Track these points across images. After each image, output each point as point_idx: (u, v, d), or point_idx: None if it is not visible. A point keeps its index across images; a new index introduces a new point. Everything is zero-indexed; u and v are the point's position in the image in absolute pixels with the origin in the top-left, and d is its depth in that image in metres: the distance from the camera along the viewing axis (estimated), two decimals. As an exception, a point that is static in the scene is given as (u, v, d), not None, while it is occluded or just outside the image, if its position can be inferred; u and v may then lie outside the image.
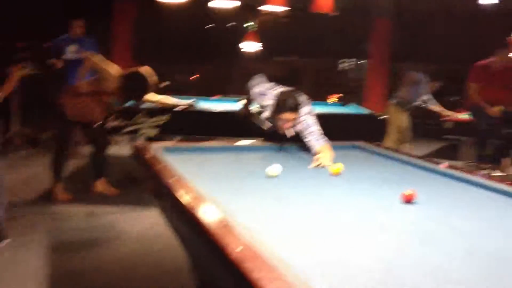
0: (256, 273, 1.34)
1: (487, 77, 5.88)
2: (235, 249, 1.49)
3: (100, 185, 5.36)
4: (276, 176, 2.74)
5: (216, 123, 5.58)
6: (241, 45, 8.68)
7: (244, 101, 4.41)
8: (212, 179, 2.64)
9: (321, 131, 3.47)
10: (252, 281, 1.31)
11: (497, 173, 5.66)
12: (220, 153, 3.42)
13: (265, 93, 3.81)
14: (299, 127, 3.52)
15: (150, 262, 3.68)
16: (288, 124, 3.46)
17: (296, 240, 1.80)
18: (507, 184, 2.63)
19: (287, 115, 3.42)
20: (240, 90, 12.35)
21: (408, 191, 2.35)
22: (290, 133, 3.50)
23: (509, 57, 5.91)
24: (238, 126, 5.24)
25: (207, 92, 9.32)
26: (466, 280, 1.51)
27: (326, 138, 3.41)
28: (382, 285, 1.45)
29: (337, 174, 2.88)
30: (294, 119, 3.45)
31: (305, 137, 3.46)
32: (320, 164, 3.10)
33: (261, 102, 3.84)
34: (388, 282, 1.48)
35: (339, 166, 2.91)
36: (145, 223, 4.49)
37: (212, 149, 3.50)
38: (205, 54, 12.55)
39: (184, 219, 1.94)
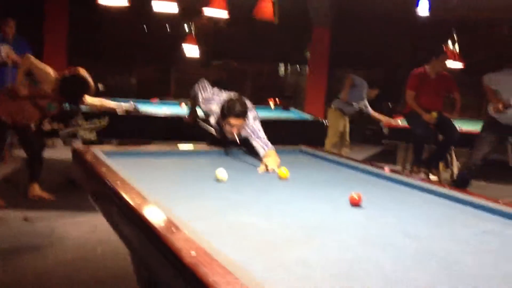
0: (211, 277, 1.31)
1: (423, 84, 6.10)
2: (188, 254, 1.45)
3: (36, 189, 5.15)
4: (225, 181, 2.71)
5: (157, 127, 5.49)
6: (180, 48, 8.60)
7: (188, 106, 4.37)
8: (157, 183, 2.59)
9: (266, 137, 3.48)
10: (207, 285, 1.27)
11: (433, 177, 5.87)
12: (163, 158, 3.36)
13: (211, 99, 3.78)
14: (245, 133, 3.51)
15: (93, 267, 3.57)
16: (235, 129, 3.45)
17: (248, 244, 1.78)
18: (445, 187, 2.72)
19: (234, 121, 3.41)
20: (180, 93, 12.27)
21: (355, 195, 2.38)
22: (236, 138, 3.49)
23: (444, 65, 6.14)
24: (179, 130, 5.20)
25: (146, 95, 9.16)
26: (415, 281, 1.54)
27: (270, 144, 3.43)
28: (335, 286, 1.45)
29: (285, 178, 2.89)
30: (241, 124, 3.44)
31: (252, 142, 3.46)
32: (268, 168, 3.10)
33: (206, 107, 3.81)
34: (340, 284, 1.48)
35: (287, 171, 2.92)
36: (86, 228, 4.35)
37: (154, 154, 3.43)
38: (144, 56, 12.35)
39: (132, 224, 1.88)
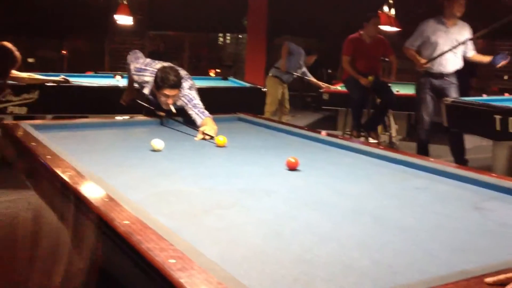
0: (145, 244, 1.31)
1: (359, 49, 6.18)
2: (121, 223, 1.44)
3: None
4: (161, 150, 2.68)
5: (92, 100, 5.34)
6: (113, 18, 8.33)
7: (125, 80, 4.24)
8: (92, 155, 2.54)
9: (203, 105, 3.45)
10: (142, 252, 1.27)
11: (372, 140, 6.00)
12: (97, 129, 3.28)
13: (145, 69, 3.70)
14: (181, 102, 3.47)
15: (28, 245, 3.47)
16: (170, 100, 3.40)
17: (180, 211, 1.79)
18: (381, 148, 2.79)
19: (169, 92, 3.36)
20: (115, 66, 11.94)
21: (292, 158, 2.41)
22: (172, 108, 3.44)
23: (376, 28, 6.22)
24: (115, 102, 5.08)
25: (79, 69, 8.86)
26: (347, 236, 1.59)
27: (207, 112, 3.41)
28: (271, 248, 1.48)
29: (223, 146, 2.88)
30: (175, 95, 3.40)
31: (188, 111, 3.43)
32: (206, 136, 3.09)
33: (140, 78, 3.73)
34: (276, 245, 1.51)
35: (224, 138, 2.92)
36: (20, 205, 4.21)
37: (89, 125, 3.35)
38: (75, 28, 11.90)
39: (64, 197, 1.84)
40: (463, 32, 5.39)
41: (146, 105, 3.94)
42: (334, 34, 10.57)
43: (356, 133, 6.17)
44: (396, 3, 7.73)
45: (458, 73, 5.48)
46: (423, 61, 5.37)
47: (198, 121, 3.34)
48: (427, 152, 5.45)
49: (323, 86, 7.73)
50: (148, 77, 3.61)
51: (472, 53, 5.51)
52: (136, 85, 4.00)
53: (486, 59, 5.50)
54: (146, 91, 3.70)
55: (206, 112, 3.40)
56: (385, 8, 7.60)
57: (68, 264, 3.09)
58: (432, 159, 2.47)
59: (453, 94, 5.38)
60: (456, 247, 1.51)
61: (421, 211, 1.86)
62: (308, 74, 7.70)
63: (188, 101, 3.46)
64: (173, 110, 3.44)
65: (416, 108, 5.60)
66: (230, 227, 1.65)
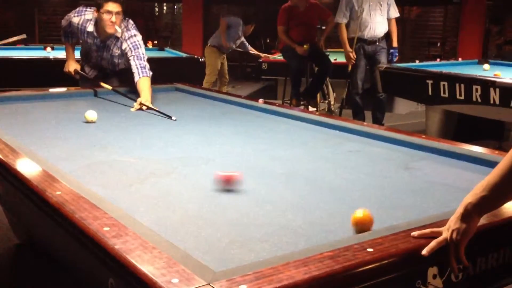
0: (78, 214, 1.29)
1: (293, 18, 6.18)
2: (53, 193, 1.41)
3: None
4: (94, 121, 2.63)
5: (23, 73, 5.14)
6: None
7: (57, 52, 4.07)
8: (23, 128, 2.47)
9: (146, 61, 3.41)
10: (75, 221, 1.25)
11: (311, 108, 6.08)
12: (30, 102, 3.17)
13: (84, 10, 3.61)
14: (126, 45, 3.43)
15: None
16: (114, 19, 3.33)
17: (114, 181, 1.78)
18: (316, 114, 2.84)
19: (111, 6, 3.31)
20: (46, 38, 11.45)
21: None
22: (118, 30, 3.38)
23: None
24: (45, 74, 4.91)
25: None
26: (282, 199, 1.64)
27: (148, 70, 3.36)
28: (208, 213, 1.51)
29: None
30: (119, 12, 3.34)
31: (130, 60, 3.39)
32: (143, 107, 3.04)
33: (81, 20, 3.58)
34: (213, 210, 1.53)
35: None
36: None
37: (20, 99, 3.22)
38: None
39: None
40: None
41: (86, 75, 3.83)
42: (271, 2, 10.55)
43: (295, 101, 6.22)
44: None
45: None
46: (349, 49, 5.59)
47: (136, 77, 3.29)
48: (363, 116, 5.61)
49: (262, 56, 7.74)
50: (89, 14, 3.55)
51: (393, 15, 5.68)
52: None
53: (394, 38, 5.74)
54: (90, 28, 3.57)
55: (146, 70, 3.34)
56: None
57: (5, 241, 3.02)
58: (365, 123, 2.54)
59: (383, 59, 5.56)
60: (385, 205, 1.58)
61: (353, 173, 1.92)
62: (247, 44, 7.67)
63: (133, 47, 3.41)
64: (119, 30, 3.40)
65: (350, 74, 5.77)
66: (166, 194, 1.65)
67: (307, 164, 2.03)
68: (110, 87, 3.47)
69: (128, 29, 3.49)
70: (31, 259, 2.74)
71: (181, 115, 2.94)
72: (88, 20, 3.57)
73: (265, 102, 3.20)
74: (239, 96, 3.47)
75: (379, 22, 5.55)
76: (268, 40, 12.66)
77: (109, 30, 3.42)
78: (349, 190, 1.72)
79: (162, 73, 5.05)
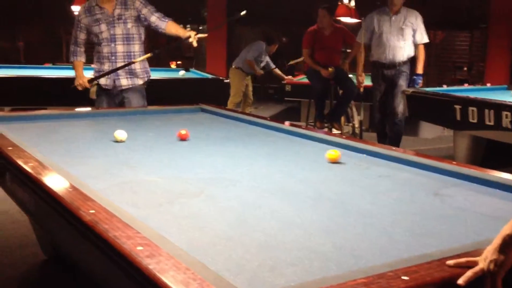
0: (111, 233, 1.30)
1: (318, 42, 6.23)
2: (87, 212, 1.43)
3: None
4: (124, 141, 2.66)
5: (51, 92, 5.24)
6: (70, 8, 8.12)
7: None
8: (52, 146, 2.50)
9: None
10: (109, 240, 1.27)
11: (335, 131, 6.07)
12: (58, 121, 3.22)
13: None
14: (144, 9, 3.96)
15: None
16: None
17: (148, 201, 1.79)
18: (343, 138, 2.83)
19: None
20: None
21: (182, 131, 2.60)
22: None
23: (325, 20, 6.23)
24: (75, 94, 4.99)
25: (36, 60, 8.63)
26: (310, 221, 1.63)
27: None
28: (236, 234, 1.50)
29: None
30: None
31: (151, 16, 3.95)
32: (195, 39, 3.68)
33: (84, 7, 4.04)
34: (242, 231, 1.53)
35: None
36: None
37: (49, 117, 3.29)
38: (30, 17, 11.56)
39: (27, 188, 1.81)
40: (409, 19, 5.45)
41: (100, 75, 4.02)
42: (296, 24, 10.63)
43: (319, 124, 6.23)
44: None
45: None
46: (359, 72, 5.69)
47: (162, 24, 3.90)
48: (384, 141, 5.56)
49: (286, 78, 7.78)
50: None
51: (420, 40, 5.53)
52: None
53: (418, 64, 5.59)
54: (93, 3, 3.95)
55: (166, 17, 3.93)
56: (345, 0, 7.68)
57: (32, 256, 3.05)
58: (394, 148, 2.53)
59: (401, 82, 5.47)
60: (417, 232, 1.56)
61: (382, 197, 1.90)
62: (271, 63, 7.76)
63: (149, 8, 3.98)
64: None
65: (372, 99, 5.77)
66: (195, 215, 1.66)
67: (335, 188, 2.02)
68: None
69: None
70: (58, 274, 2.76)
71: (207, 136, 2.96)
72: (90, 1, 3.99)
73: (291, 125, 3.20)
74: (265, 118, 3.49)
75: (399, 47, 5.47)
76: (291, 63, 12.72)
77: None
78: (379, 215, 1.70)
79: (187, 94, 5.13)
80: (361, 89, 5.78)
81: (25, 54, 11.89)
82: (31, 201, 1.79)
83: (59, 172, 1.84)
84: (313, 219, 1.65)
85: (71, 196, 1.56)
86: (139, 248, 1.23)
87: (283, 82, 7.71)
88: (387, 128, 5.59)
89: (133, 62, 3.98)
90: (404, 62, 5.52)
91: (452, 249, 1.33)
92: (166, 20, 3.95)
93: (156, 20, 3.95)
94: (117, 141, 2.65)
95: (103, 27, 3.94)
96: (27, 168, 1.85)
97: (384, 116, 5.63)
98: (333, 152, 2.39)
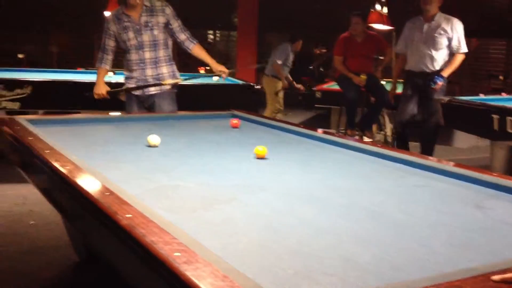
0: (148, 238, 1.30)
1: (350, 49, 6.18)
2: (124, 216, 1.43)
3: None
4: (157, 146, 2.67)
5: (84, 96, 5.30)
6: (103, 14, 8.24)
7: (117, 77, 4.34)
8: (88, 150, 2.53)
9: None
10: (146, 245, 1.26)
11: (367, 139, 6.00)
12: (92, 125, 3.26)
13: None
14: (176, 25, 4.09)
15: (25, 239, 3.46)
16: None
17: (182, 206, 1.79)
18: (377, 146, 2.79)
19: None
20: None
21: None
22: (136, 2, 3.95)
23: (358, 27, 6.18)
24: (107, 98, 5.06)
25: (68, 65, 8.76)
26: (343, 230, 1.60)
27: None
28: (270, 241, 1.49)
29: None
30: None
31: (179, 33, 4.10)
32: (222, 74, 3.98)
33: (112, 13, 4.20)
34: (275, 238, 1.52)
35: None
36: (15, 199, 4.20)
37: (83, 121, 3.33)
38: (62, 23, 11.77)
39: (65, 191, 1.82)
40: (444, 27, 5.19)
41: (119, 90, 4.20)
42: (326, 30, 10.59)
43: (350, 131, 6.17)
44: (389, 1, 7.75)
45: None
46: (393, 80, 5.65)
47: (190, 45, 4.11)
48: (406, 147, 5.42)
49: (296, 86, 7.75)
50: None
51: (455, 50, 5.25)
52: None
53: (446, 68, 5.28)
54: (120, 11, 4.09)
55: (193, 39, 4.15)
56: (377, 7, 7.61)
57: (65, 258, 3.09)
58: (430, 157, 2.48)
59: (435, 93, 5.24)
60: (458, 245, 1.52)
61: (420, 209, 1.86)
62: (289, 76, 7.82)
63: (179, 23, 4.11)
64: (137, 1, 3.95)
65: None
66: (229, 221, 1.65)
67: (369, 197, 1.99)
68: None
69: (157, 1, 4.07)
70: (91, 277, 2.79)
71: (238, 142, 2.96)
72: (118, 9, 4.13)
73: (323, 132, 3.18)
74: (297, 125, 3.47)
75: (430, 56, 5.22)
76: (321, 69, 12.67)
77: (131, 0, 3.93)
78: (416, 227, 1.67)
79: (219, 100, 5.13)
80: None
81: (58, 59, 12.10)
82: (68, 204, 1.81)
83: (95, 176, 1.86)
84: (347, 228, 1.62)
85: (108, 200, 1.56)
86: (177, 254, 1.22)
87: (312, 88, 7.68)
88: (422, 137, 5.46)
89: (162, 84, 4.10)
90: (438, 72, 5.25)
91: (495, 263, 1.29)
92: (195, 42, 4.14)
93: (186, 40, 4.13)
94: (150, 146, 2.67)
95: (131, 34, 4.03)
96: (64, 171, 1.87)
97: (406, 124, 5.48)
98: (261, 149, 2.54)
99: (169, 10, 4.08)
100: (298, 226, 1.62)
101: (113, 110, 4.60)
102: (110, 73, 6.68)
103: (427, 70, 5.26)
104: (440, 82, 5.21)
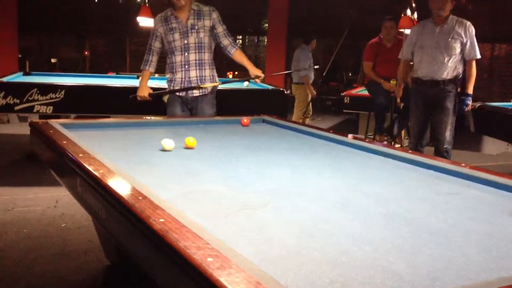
0: (182, 243, 1.30)
1: (380, 54, 6.14)
2: (157, 221, 1.44)
3: None
4: (171, 149, 2.67)
5: (115, 100, 5.37)
6: (135, 19, 8.35)
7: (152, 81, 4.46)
8: (120, 154, 2.55)
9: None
10: (180, 250, 1.26)
11: (396, 145, 5.94)
12: (122, 129, 3.30)
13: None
14: (220, 29, 4.20)
15: (56, 241, 3.51)
16: None
17: (214, 211, 1.78)
18: (409, 152, 2.76)
19: None
20: (136, 66, 11.98)
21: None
22: (182, 4, 4.08)
23: (389, 32, 6.12)
24: (138, 103, 5.11)
25: (100, 69, 8.89)
26: (381, 239, 1.58)
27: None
28: (305, 249, 1.47)
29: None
30: None
31: (223, 38, 4.23)
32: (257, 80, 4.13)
33: (161, 14, 4.26)
34: (311, 246, 1.50)
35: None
36: (47, 202, 4.27)
37: (113, 125, 3.37)
38: (96, 28, 11.99)
39: (98, 195, 1.84)
40: (458, 31, 4.71)
41: (161, 92, 4.31)
42: (355, 36, 10.53)
43: (379, 137, 6.12)
44: (418, 6, 7.67)
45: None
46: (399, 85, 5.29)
47: (232, 50, 4.22)
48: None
49: (314, 93, 7.71)
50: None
51: (469, 56, 4.73)
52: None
53: (468, 84, 4.78)
54: (169, 13, 4.20)
55: (235, 44, 4.28)
56: (408, 12, 7.54)
57: (96, 261, 3.13)
58: (463, 164, 2.44)
59: (447, 104, 4.76)
60: (493, 254, 1.48)
61: (454, 216, 1.83)
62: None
63: (224, 28, 4.22)
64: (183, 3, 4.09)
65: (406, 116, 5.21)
66: (262, 227, 1.64)
67: (404, 204, 1.96)
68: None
69: (204, 5, 4.21)
70: (121, 281, 2.81)
71: (270, 147, 2.96)
72: (166, 11, 4.22)
73: (354, 138, 3.15)
74: (327, 130, 3.45)
75: (443, 62, 4.71)
76: (349, 74, 12.61)
77: (177, 2, 4.06)
78: (452, 235, 1.63)
79: (249, 104, 5.14)
80: (400, 105, 5.48)
81: (91, 63, 12.32)
82: (101, 207, 1.83)
83: (127, 180, 1.87)
84: (384, 236, 1.60)
85: (141, 205, 1.57)
86: (210, 259, 1.22)
87: (341, 94, 7.66)
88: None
89: (201, 87, 4.21)
90: (450, 81, 4.75)
91: (536, 274, 1.26)
92: (236, 48, 4.28)
93: (228, 44, 4.24)
94: (165, 150, 2.66)
95: (177, 36, 4.14)
96: (97, 175, 1.89)
97: (421, 140, 5.03)
98: (192, 140, 2.76)
99: (215, 15, 4.20)
100: (335, 234, 1.60)
101: (145, 114, 4.67)
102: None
103: (439, 79, 4.77)
104: (470, 103, 4.81)
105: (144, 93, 4.27)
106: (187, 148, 2.76)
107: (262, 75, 4.22)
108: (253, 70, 4.20)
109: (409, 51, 5.04)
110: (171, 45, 4.18)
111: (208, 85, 4.20)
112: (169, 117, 4.15)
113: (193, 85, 4.20)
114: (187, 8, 4.14)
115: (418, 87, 4.94)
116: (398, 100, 5.52)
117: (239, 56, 4.26)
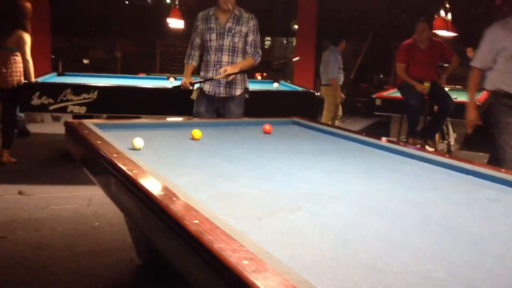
0: (216, 244, 1.29)
1: (413, 56, 6.04)
2: (191, 222, 1.43)
3: (6, 156, 5.37)
4: (141, 149, 2.57)
5: (146, 101, 5.42)
6: (165, 21, 8.42)
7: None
8: (153, 154, 2.56)
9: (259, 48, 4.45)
10: (215, 252, 1.25)
11: (429, 148, 5.84)
12: (153, 129, 3.31)
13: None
14: (249, 27, 4.33)
15: (89, 240, 3.56)
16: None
17: (248, 214, 1.77)
18: (446, 157, 2.69)
19: None
20: (166, 67, 12.10)
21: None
22: (229, 6, 4.26)
23: (422, 33, 6.01)
24: (168, 103, 5.16)
25: (131, 70, 8.98)
26: (417, 245, 1.54)
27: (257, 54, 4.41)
28: (340, 254, 1.45)
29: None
30: None
31: (248, 45, 4.35)
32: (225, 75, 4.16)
33: (204, 12, 4.43)
34: (346, 251, 1.47)
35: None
36: (80, 201, 4.33)
37: (145, 126, 3.39)
38: (127, 30, 12.13)
39: (132, 195, 1.85)
40: None
41: (201, 81, 4.44)
42: (385, 37, 10.42)
43: (412, 140, 6.02)
44: (452, 7, 7.55)
45: None
46: (471, 107, 4.12)
47: (247, 56, 4.34)
48: None
49: (342, 97, 7.63)
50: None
51: None
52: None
53: None
54: (211, 12, 4.37)
55: (255, 54, 4.37)
56: (442, 13, 7.43)
57: (128, 260, 3.15)
58: (503, 170, 2.37)
59: None
60: (537, 262, 1.43)
61: (494, 223, 1.78)
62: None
63: (254, 38, 4.33)
64: (231, 8, 4.27)
65: (496, 135, 4.00)
66: (296, 231, 1.62)
67: (441, 210, 1.91)
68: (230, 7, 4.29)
69: (246, 12, 4.32)
70: (152, 280, 2.82)
71: (301, 149, 2.92)
72: (209, 9, 4.35)
73: (388, 141, 3.11)
74: (359, 133, 3.40)
75: None
76: (380, 76, 12.48)
77: (224, 5, 4.18)
78: (493, 243, 1.59)
79: (279, 106, 5.13)
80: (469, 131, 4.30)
81: (122, 64, 12.47)
82: (135, 207, 1.83)
83: (161, 180, 1.87)
84: (422, 243, 1.56)
85: (176, 205, 1.57)
86: (245, 262, 1.21)
87: (372, 96, 7.58)
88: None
89: (227, 78, 4.36)
90: None
91: None
92: (250, 56, 4.41)
93: (250, 53, 4.40)
94: (134, 149, 2.54)
95: (213, 36, 4.29)
96: (132, 175, 1.90)
97: None
98: (198, 132, 2.92)
99: (252, 23, 4.34)
100: (371, 239, 1.57)
101: (174, 115, 4.70)
102: (172, 79, 6.83)
103: None
104: None
105: (186, 80, 4.50)
106: (193, 139, 2.95)
107: (222, 73, 4.27)
108: (229, 67, 4.30)
109: (491, 58, 3.99)
110: (207, 43, 4.33)
111: (221, 76, 4.32)
112: (195, 116, 4.25)
113: (220, 86, 4.36)
114: (230, 11, 4.28)
115: (508, 100, 3.91)
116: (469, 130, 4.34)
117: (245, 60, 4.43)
